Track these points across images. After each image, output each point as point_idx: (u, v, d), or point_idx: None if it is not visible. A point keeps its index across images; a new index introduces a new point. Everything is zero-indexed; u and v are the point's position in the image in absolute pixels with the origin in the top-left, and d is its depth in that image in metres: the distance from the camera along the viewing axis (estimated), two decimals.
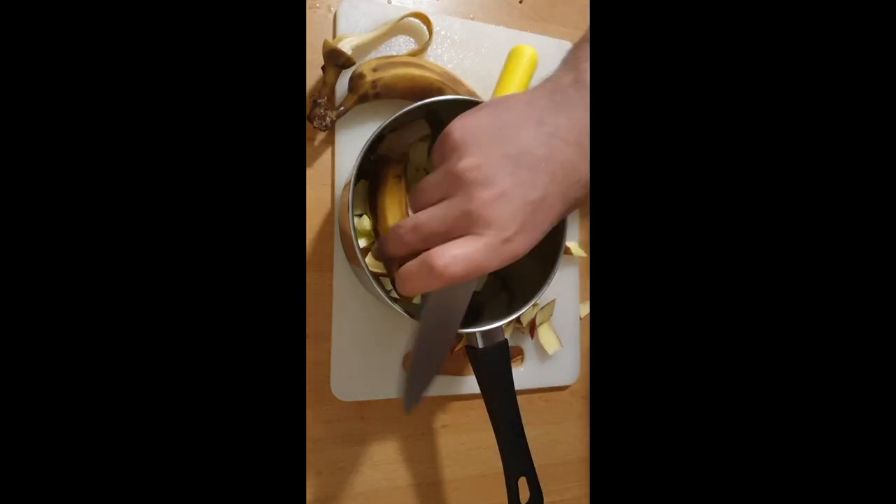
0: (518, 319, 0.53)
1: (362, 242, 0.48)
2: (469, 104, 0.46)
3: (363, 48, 0.48)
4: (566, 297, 0.55)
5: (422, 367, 0.39)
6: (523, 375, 0.53)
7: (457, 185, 0.34)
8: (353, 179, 0.41)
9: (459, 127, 0.36)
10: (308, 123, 0.46)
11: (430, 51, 0.51)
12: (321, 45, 0.46)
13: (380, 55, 0.49)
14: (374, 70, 0.46)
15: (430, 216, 0.35)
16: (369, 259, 0.47)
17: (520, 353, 0.54)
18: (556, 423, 0.56)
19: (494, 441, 0.46)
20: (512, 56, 0.49)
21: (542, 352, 0.54)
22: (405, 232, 0.36)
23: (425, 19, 0.50)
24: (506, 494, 0.45)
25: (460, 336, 0.51)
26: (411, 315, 0.42)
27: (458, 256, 0.32)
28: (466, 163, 0.34)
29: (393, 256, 0.39)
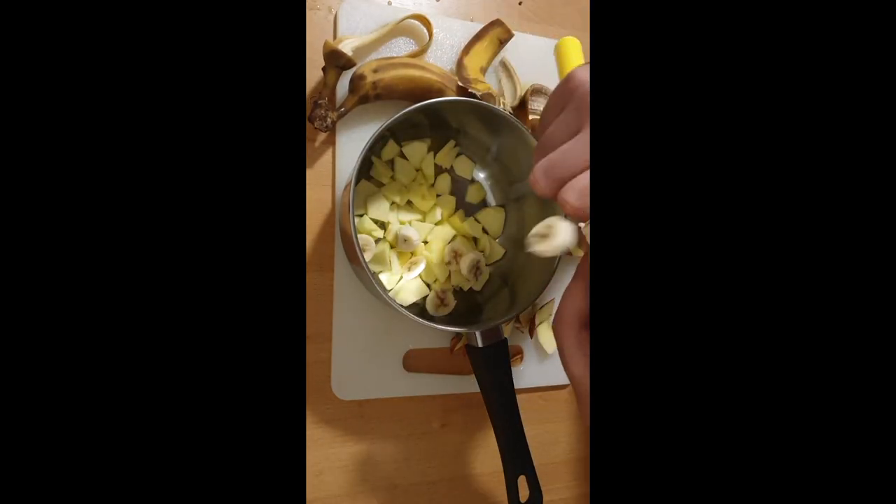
0: (517, 319, 0.53)
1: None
2: (469, 105, 0.46)
3: (363, 49, 0.49)
4: None
5: None
6: (523, 374, 0.53)
7: (589, 113, 0.33)
8: (353, 180, 0.42)
9: (584, 70, 0.35)
10: (309, 124, 0.46)
11: (429, 52, 0.52)
12: (322, 45, 0.46)
13: (380, 56, 0.49)
14: (375, 71, 0.46)
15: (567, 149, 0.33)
16: (370, 259, 0.47)
17: (519, 352, 0.54)
18: (555, 421, 0.56)
19: (494, 440, 0.46)
20: (563, 47, 0.50)
21: (541, 351, 0.54)
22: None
23: (425, 21, 0.51)
24: (505, 493, 0.46)
25: (460, 335, 0.51)
26: (411, 315, 0.42)
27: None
28: None
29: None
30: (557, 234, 0.31)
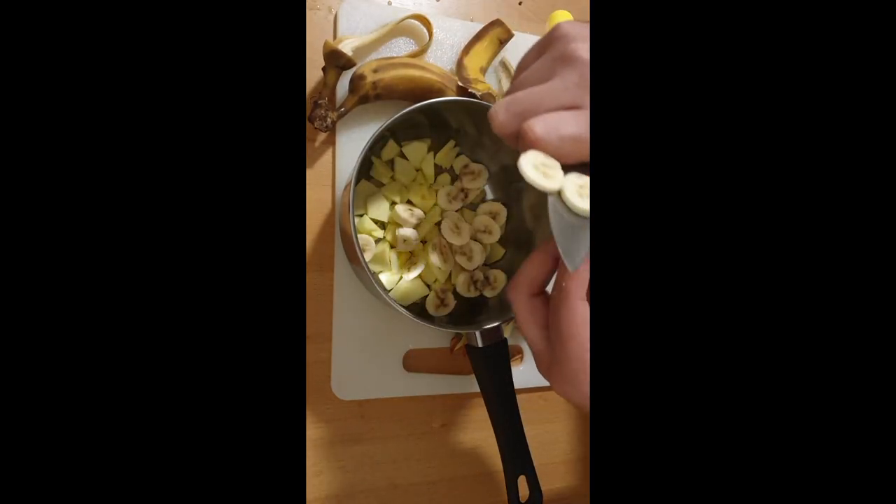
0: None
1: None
2: (469, 105, 0.46)
3: (364, 49, 0.49)
4: None
5: None
6: (523, 374, 0.53)
7: (566, 62, 0.32)
8: (353, 180, 0.42)
9: (570, 24, 0.34)
10: (309, 124, 0.46)
11: (429, 52, 0.52)
12: (322, 45, 0.46)
13: (380, 56, 0.49)
14: (375, 71, 0.46)
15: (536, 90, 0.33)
16: (370, 259, 0.47)
17: (519, 352, 0.54)
18: (555, 421, 0.56)
19: (494, 440, 0.46)
20: (555, 20, 0.50)
21: None
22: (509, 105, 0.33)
23: (425, 21, 0.51)
24: (505, 493, 0.45)
25: (460, 336, 0.51)
26: (411, 315, 0.42)
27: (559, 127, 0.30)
28: (578, 44, 0.32)
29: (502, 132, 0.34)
30: (552, 178, 0.30)
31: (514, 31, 0.53)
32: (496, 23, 0.52)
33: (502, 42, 0.53)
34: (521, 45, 0.54)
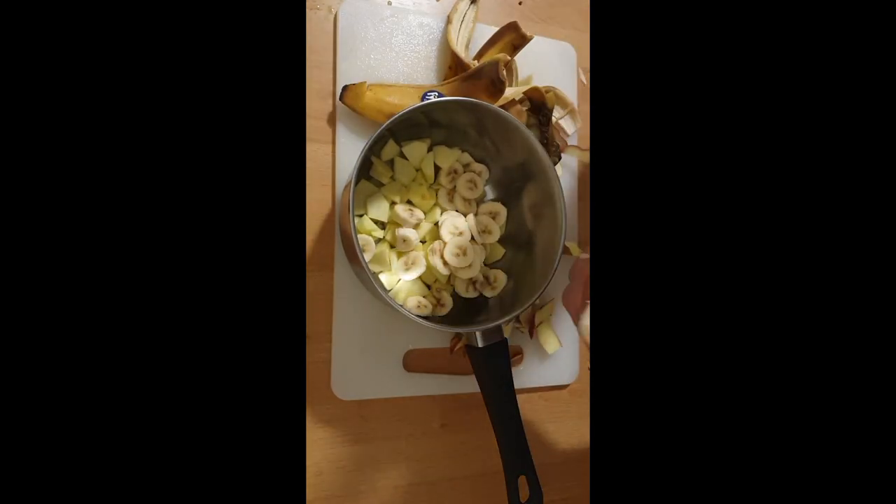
0: (518, 319, 0.53)
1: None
2: (468, 105, 0.46)
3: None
4: None
5: None
6: (523, 375, 0.53)
7: None
8: (353, 180, 0.41)
9: None
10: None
11: (437, 54, 0.51)
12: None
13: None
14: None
15: None
16: (370, 259, 0.47)
17: (519, 352, 0.54)
18: (555, 421, 0.56)
19: (494, 440, 0.46)
20: None
21: (541, 351, 0.54)
22: None
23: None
24: (505, 493, 0.45)
25: (460, 335, 0.51)
26: (411, 314, 0.42)
27: None
28: None
29: None
30: None
31: (530, 34, 0.49)
32: (510, 27, 0.49)
33: (517, 48, 0.50)
34: (525, 47, 0.54)
